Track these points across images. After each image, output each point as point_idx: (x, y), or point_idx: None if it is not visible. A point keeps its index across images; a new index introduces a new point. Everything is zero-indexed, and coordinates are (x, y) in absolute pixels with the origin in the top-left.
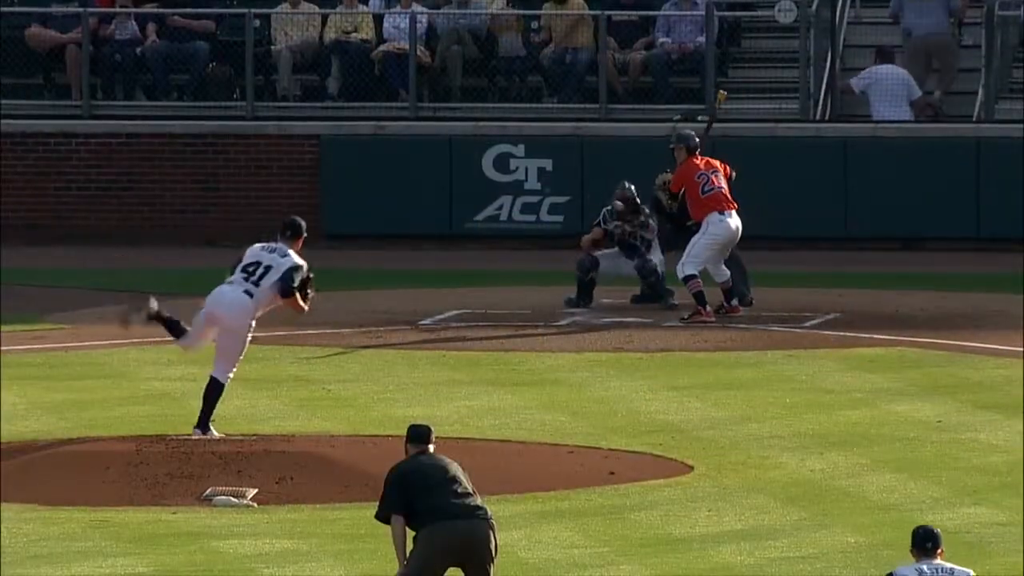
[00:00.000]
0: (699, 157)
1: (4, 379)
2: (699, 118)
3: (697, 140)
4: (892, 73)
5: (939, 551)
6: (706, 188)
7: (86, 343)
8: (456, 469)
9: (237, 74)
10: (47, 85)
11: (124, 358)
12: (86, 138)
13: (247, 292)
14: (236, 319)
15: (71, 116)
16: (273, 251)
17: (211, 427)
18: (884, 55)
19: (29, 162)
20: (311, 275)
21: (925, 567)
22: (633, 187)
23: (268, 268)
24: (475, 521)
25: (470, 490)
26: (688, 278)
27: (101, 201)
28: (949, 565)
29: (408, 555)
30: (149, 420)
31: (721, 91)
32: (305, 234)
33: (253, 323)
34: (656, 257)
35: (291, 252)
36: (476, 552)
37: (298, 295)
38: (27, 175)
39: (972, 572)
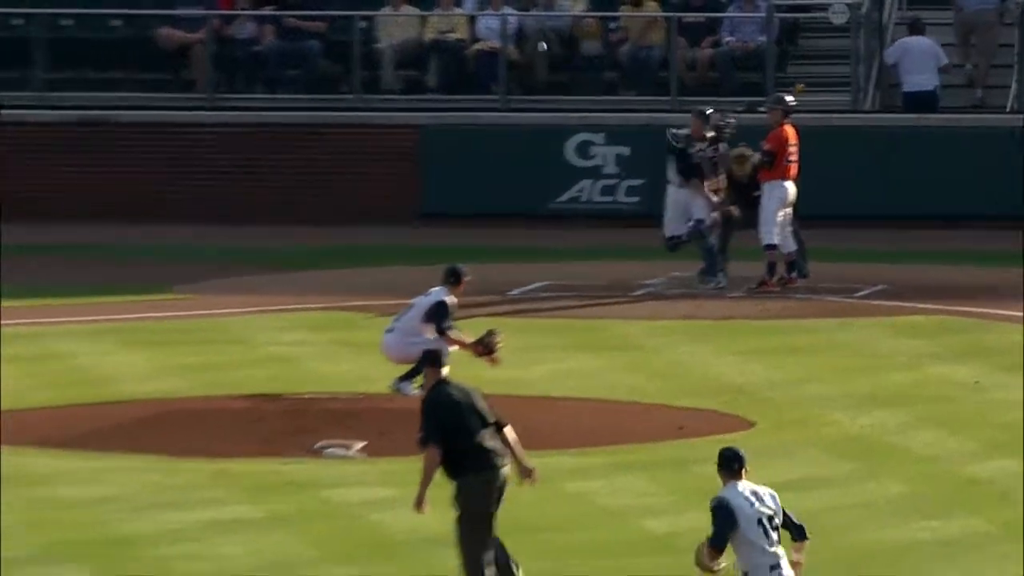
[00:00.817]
0: (790, 123)
1: (137, 344)
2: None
3: (793, 103)
4: (921, 43)
5: (744, 470)
6: (790, 158)
7: (210, 311)
8: (482, 404)
9: (346, 70)
10: (175, 80)
11: (244, 324)
12: (210, 127)
13: (388, 331)
14: (391, 357)
15: (197, 108)
16: (427, 295)
17: (408, 386)
18: (915, 28)
19: (160, 150)
20: (496, 331)
21: (741, 488)
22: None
23: (411, 307)
24: (504, 471)
25: (492, 426)
26: (769, 247)
27: (224, 185)
28: (755, 485)
29: (457, 499)
30: (266, 381)
31: (799, 84)
32: (466, 278)
33: (409, 345)
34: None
35: (441, 293)
36: (500, 496)
37: (451, 335)
38: (158, 162)
39: (774, 491)
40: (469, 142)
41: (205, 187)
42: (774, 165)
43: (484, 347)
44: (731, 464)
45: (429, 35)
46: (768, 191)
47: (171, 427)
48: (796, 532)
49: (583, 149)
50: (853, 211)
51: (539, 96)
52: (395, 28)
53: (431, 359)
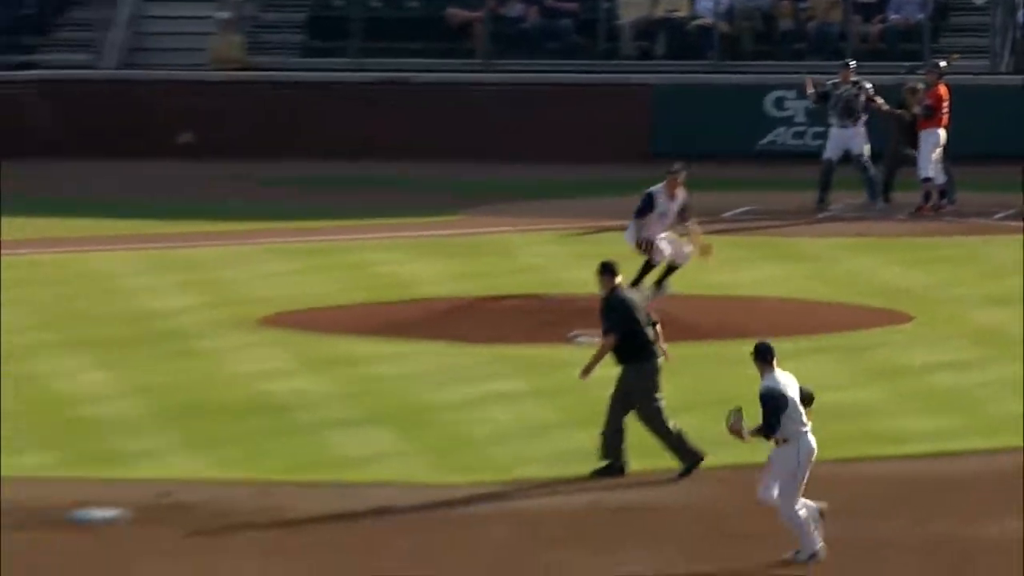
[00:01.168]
0: (944, 83)
1: (428, 255)
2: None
3: (946, 67)
4: None
5: (775, 360)
6: (943, 111)
7: (485, 230)
8: (644, 306)
9: (592, 41)
10: (459, 49)
11: (511, 241)
12: (486, 87)
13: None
14: (627, 241)
15: (475, 71)
16: None
17: (645, 287)
18: None
19: (446, 104)
20: (652, 242)
21: (778, 375)
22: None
23: None
24: (660, 360)
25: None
26: (925, 179)
27: (496, 131)
28: (784, 372)
29: (621, 380)
30: (529, 285)
31: (954, 54)
32: (678, 174)
33: (641, 238)
34: (863, 145)
35: (656, 188)
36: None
37: (639, 220)
38: (445, 114)
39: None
40: (689, 98)
41: (481, 133)
42: (931, 116)
43: (645, 245)
44: (765, 355)
45: (658, 13)
46: (925, 137)
47: (457, 320)
48: (808, 399)
49: (779, 103)
50: (992, 150)
51: (745, 61)
52: (632, 8)
53: (605, 269)
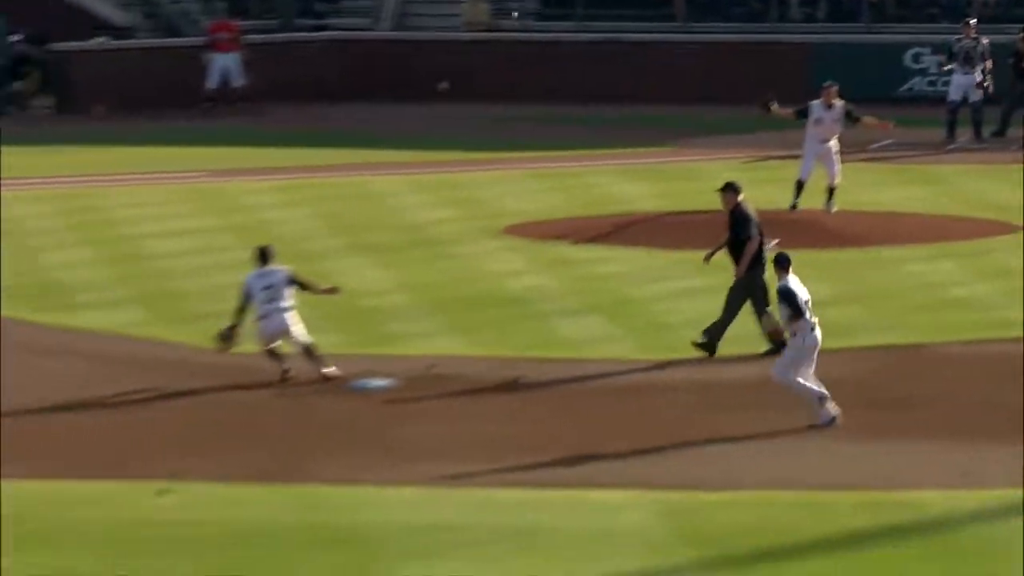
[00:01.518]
0: None
1: (638, 178)
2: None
3: None
4: None
5: (791, 266)
6: None
7: (684, 158)
8: None
9: (765, 6)
10: (662, 15)
11: (701, 167)
12: (684, 45)
13: None
14: None
15: (675, 32)
16: None
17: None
18: None
19: (651, 59)
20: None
21: (792, 278)
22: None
23: None
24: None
25: None
26: None
27: (692, 78)
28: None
29: (741, 282)
30: (714, 202)
31: None
32: (829, 88)
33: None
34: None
35: (814, 101)
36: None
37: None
38: (649, 65)
39: None
40: (843, 53)
41: (680, 82)
42: None
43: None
44: (783, 264)
45: None
46: None
47: (658, 230)
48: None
49: (916, 57)
50: None
51: (889, 24)
52: None
53: (728, 187)
